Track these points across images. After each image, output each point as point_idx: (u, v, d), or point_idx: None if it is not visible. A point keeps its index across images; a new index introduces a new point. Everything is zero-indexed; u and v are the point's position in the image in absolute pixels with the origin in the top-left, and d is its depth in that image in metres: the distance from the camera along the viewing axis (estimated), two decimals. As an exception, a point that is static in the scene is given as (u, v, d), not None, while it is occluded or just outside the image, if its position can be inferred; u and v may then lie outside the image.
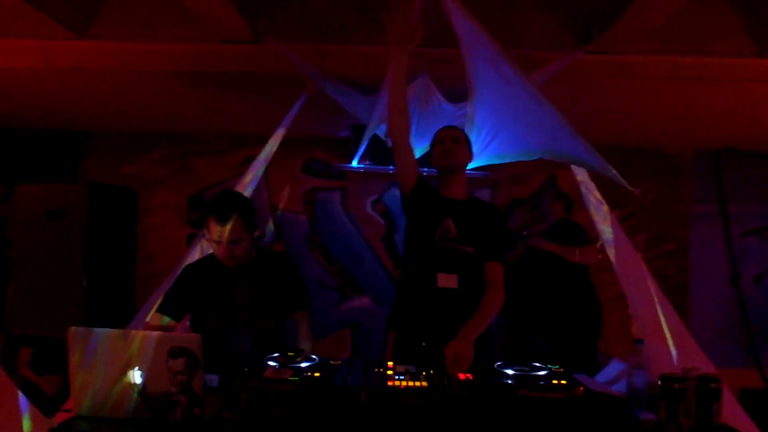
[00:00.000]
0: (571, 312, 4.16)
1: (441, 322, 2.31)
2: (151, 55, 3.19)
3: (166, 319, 2.26)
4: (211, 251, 2.36)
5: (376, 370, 1.92)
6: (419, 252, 2.48)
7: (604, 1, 2.89)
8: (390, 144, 2.53)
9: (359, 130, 4.25)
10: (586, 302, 4.17)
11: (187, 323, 2.39)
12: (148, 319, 2.41)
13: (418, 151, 3.20)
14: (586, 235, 4.09)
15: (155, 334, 1.58)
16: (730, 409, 2.39)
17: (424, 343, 2.36)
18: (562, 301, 4.18)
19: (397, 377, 1.83)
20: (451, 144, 2.48)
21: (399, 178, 2.55)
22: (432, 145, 2.57)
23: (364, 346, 5.15)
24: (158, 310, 2.31)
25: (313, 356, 2.00)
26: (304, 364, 1.89)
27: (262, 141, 3.34)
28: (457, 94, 3.06)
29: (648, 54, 3.02)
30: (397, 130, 2.43)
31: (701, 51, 3.01)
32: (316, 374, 1.81)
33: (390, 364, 2.00)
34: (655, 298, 2.72)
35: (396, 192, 4.89)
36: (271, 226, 5.16)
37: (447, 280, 2.37)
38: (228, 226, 2.16)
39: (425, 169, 2.77)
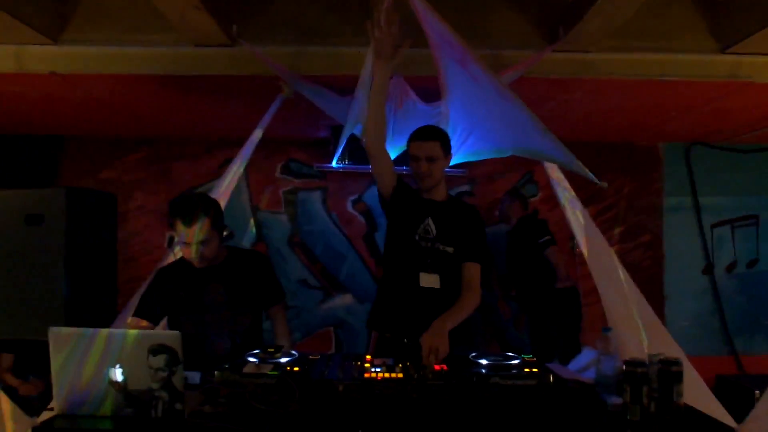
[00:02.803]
0: (552, 305, 4.26)
1: (424, 320, 2.29)
2: (125, 59, 3.19)
3: (144, 323, 2.28)
4: None
5: (353, 363, 1.97)
6: (400, 252, 2.51)
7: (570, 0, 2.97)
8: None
9: (338, 130, 4.28)
10: (565, 294, 4.28)
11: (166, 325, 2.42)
12: (128, 322, 2.43)
13: (396, 150, 3.25)
14: (550, 235, 4.25)
15: (135, 332, 1.61)
16: (699, 393, 2.49)
17: (406, 341, 2.38)
18: (542, 295, 4.29)
19: (373, 369, 1.88)
20: (427, 166, 2.43)
21: (378, 183, 2.56)
22: (408, 152, 2.52)
23: (348, 344, 5.21)
24: (135, 314, 2.33)
25: (293, 352, 2.05)
26: (283, 360, 1.94)
27: (241, 143, 3.36)
28: (431, 93, 3.11)
29: (612, 52, 3.10)
30: (373, 140, 2.41)
31: (664, 48, 3.11)
32: (296, 369, 1.86)
33: (368, 357, 2.06)
34: (627, 289, 2.81)
35: (376, 191, 4.95)
36: (252, 227, 5.19)
37: (429, 280, 2.41)
38: (195, 228, 2.17)
39: (404, 168, 2.80)
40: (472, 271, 2.42)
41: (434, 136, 2.46)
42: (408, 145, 2.51)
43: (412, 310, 2.42)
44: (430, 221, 2.47)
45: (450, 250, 2.45)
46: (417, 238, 2.46)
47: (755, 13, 2.81)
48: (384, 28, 2.22)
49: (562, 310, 4.21)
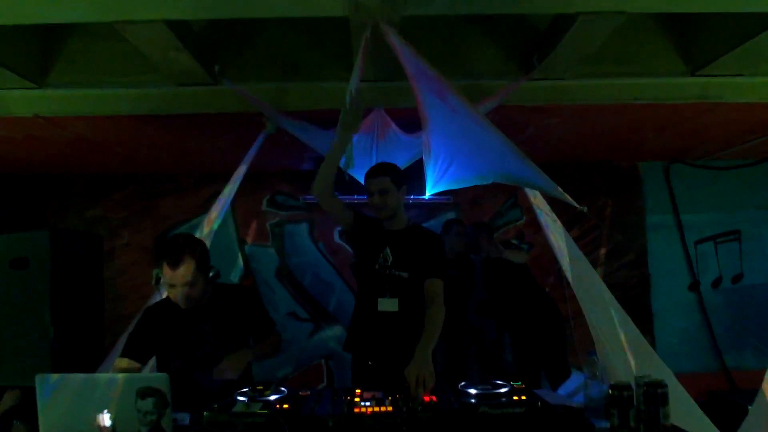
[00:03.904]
0: (535, 327, 4.27)
1: (384, 343, 2.54)
2: (109, 100, 3.23)
3: (132, 364, 2.27)
4: None
5: (343, 398, 1.97)
6: (364, 279, 2.77)
7: (543, 30, 3.06)
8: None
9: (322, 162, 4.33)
10: (547, 316, 4.29)
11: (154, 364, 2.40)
12: (115, 363, 2.41)
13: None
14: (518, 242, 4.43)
15: (122, 375, 1.61)
16: (689, 412, 2.51)
17: (369, 362, 2.63)
18: (525, 317, 4.29)
19: (363, 404, 1.88)
20: (380, 199, 2.65)
21: (337, 223, 2.77)
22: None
23: (340, 375, 5.15)
24: (122, 354, 2.32)
25: (282, 389, 2.04)
26: (273, 397, 1.93)
27: (227, 177, 3.40)
28: (412, 124, 3.17)
29: (586, 78, 3.18)
30: (321, 194, 2.70)
31: (636, 73, 3.19)
32: (285, 406, 1.85)
33: (357, 391, 2.06)
34: (612, 310, 2.84)
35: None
36: (240, 261, 5.18)
37: (387, 305, 2.60)
38: (181, 270, 2.19)
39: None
40: (435, 287, 2.55)
41: (384, 172, 2.69)
42: (364, 182, 2.73)
43: (373, 333, 2.63)
44: (388, 250, 2.67)
45: (404, 275, 2.62)
46: (377, 266, 2.66)
47: (722, 37, 2.91)
48: (355, 109, 2.53)
49: (544, 329, 4.21)
